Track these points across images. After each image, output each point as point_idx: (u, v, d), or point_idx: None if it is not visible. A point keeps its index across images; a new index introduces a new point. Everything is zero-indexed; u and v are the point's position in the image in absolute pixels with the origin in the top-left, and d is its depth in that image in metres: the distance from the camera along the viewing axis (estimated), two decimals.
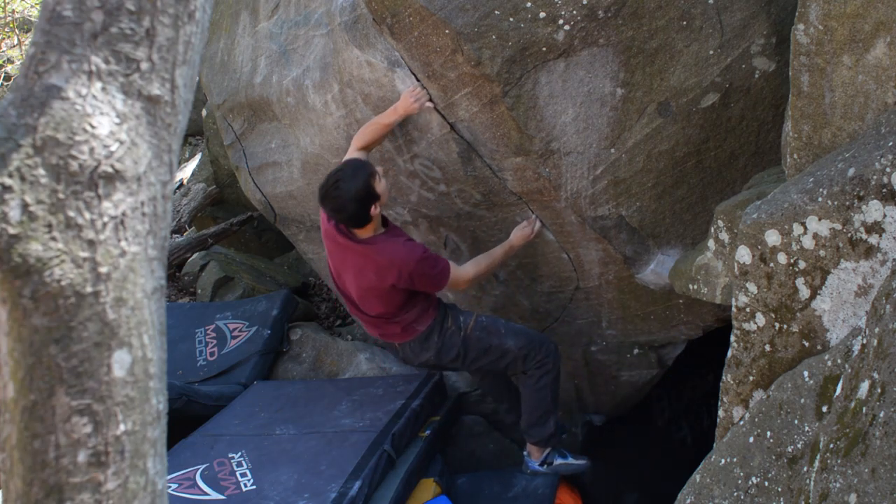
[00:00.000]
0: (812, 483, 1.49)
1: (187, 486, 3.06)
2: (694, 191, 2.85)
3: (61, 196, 0.81)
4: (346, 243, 2.90)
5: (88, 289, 0.83)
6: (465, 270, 2.98)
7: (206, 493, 3.01)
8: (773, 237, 1.74)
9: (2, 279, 0.80)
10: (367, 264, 2.87)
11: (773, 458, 1.72)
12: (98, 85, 0.85)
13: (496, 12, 2.58)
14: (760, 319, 1.82)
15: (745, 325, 1.86)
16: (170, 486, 3.05)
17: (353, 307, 3.10)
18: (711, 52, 2.60)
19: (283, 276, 5.53)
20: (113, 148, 0.85)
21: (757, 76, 2.64)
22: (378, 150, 3.16)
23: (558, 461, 3.35)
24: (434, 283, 2.91)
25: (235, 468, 3.14)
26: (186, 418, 3.62)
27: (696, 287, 2.54)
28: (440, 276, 2.90)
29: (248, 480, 3.04)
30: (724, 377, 1.97)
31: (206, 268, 5.37)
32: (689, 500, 1.91)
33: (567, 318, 3.40)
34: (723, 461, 1.85)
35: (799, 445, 1.67)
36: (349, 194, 2.73)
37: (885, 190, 1.53)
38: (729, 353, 1.93)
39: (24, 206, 0.79)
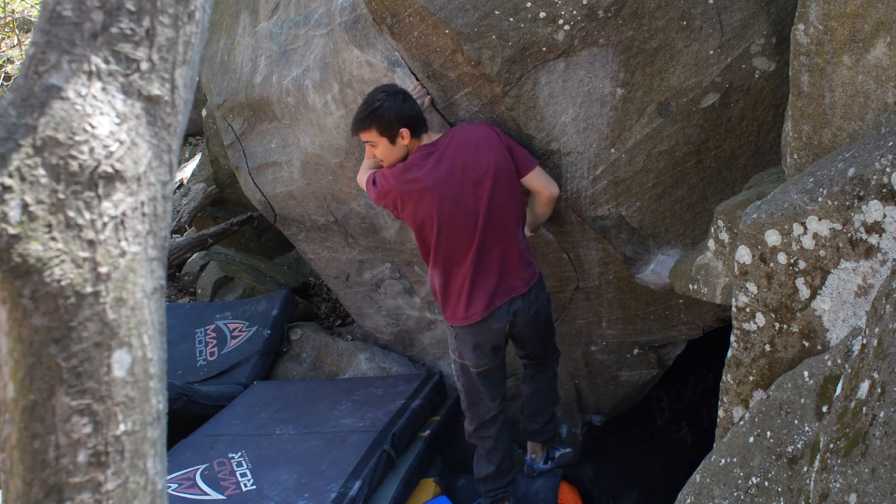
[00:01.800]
0: (812, 483, 1.49)
1: (187, 486, 3.06)
2: (694, 191, 2.85)
3: (61, 196, 0.81)
4: (437, 156, 2.66)
5: (88, 289, 0.83)
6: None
7: (206, 493, 3.01)
8: (773, 237, 1.74)
9: (2, 279, 0.80)
10: (478, 145, 2.67)
11: (773, 458, 1.72)
12: (98, 85, 0.85)
13: (496, 12, 2.58)
14: (760, 319, 1.82)
15: (745, 325, 1.85)
16: (170, 486, 3.06)
17: (488, 251, 2.73)
18: (711, 52, 2.60)
19: (283, 276, 5.54)
20: (113, 148, 0.85)
21: (757, 76, 2.64)
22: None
23: (557, 453, 3.36)
24: (527, 151, 2.75)
25: (235, 468, 3.15)
26: (186, 418, 3.62)
27: (696, 287, 2.54)
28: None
29: (248, 480, 3.04)
30: (724, 377, 1.97)
31: (206, 268, 5.38)
32: (689, 500, 1.91)
33: (567, 318, 3.40)
34: (723, 461, 1.85)
35: (799, 445, 1.67)
36: (404, 95, 2.64)
37: (885, 190, 1.53)
38: (729, 353, 1.93)
39: (24, 206, 0.79)
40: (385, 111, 2.58)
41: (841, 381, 1.56)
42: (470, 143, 2.66)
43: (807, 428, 1.66)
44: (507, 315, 2.78)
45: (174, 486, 3.07)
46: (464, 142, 2.67)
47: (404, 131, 2.62)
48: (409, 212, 2.70)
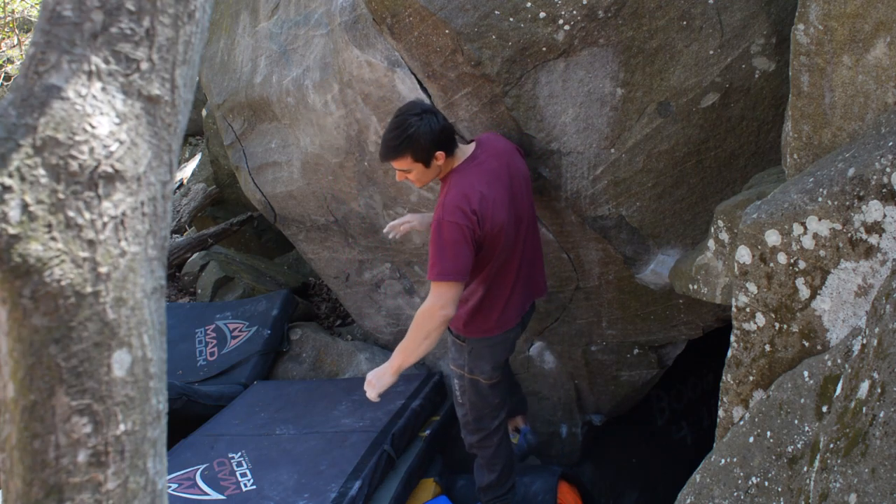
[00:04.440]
0: (812, 483, 1.49)
1: (187, 486, 3.06)
2: (694, 191, 2.85)
3: (61, 196, 0.81)
4: (485, 169, 2.56)
5: (88, 289, 0.83)
6: None
7: (206, 493, 3.01)
8: (773, 237, 1.74)
9: (2, 279, 0.80)
10: (510, 155, 2.64)
11: (773, 458, 1.72)
12: (98, 85, 0.85)
13: (496, 12, 2.58)
14: (760, 319, 1.82)
15: (745, 325, 1.85)
16: (170, 486, 3.06)
17: (525, 258, 2.71)
18: (711, 52, 2.60)
19: (283, 276, 5.54)
20: (113, 148, 0.85)
21: (757, 76, 2.64)
22: (378, 150, 3.16)
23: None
24: None
25: (235, 468, 3.15)
26: (186, 418, 3.62)
27: (696, 287, 2.54)
28: None
29: (248, 480, 3.04)
30: (724, 377, 1.97)
31: (206, 268, 5.38)
32: (689, 500, 1.91)
33: (567, 318, 3.40)
34: (723, 461, 1.85)
35: (799, 445, 1.67)
36: (433, 112, 2.50)
37: (885, 190, 1.53)
38: (729, 353, 1.93)
39: (24, 206, 0.79)
40: (420, 137, 2.43)
41: (841, 381, 1.56)
42: (503, 153, 2.63)
43: (807, 428, 1.66)
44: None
45: (174, 486, 3.07)
46: (498, 152, 2.61)
47: (440, 154, 2.49)
48: (492, 236, 2.52)
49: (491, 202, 2.49)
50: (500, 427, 2.95)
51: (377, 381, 2.60)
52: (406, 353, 2.52)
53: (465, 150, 2.60)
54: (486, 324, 2.70)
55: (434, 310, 2.41)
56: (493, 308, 2.69)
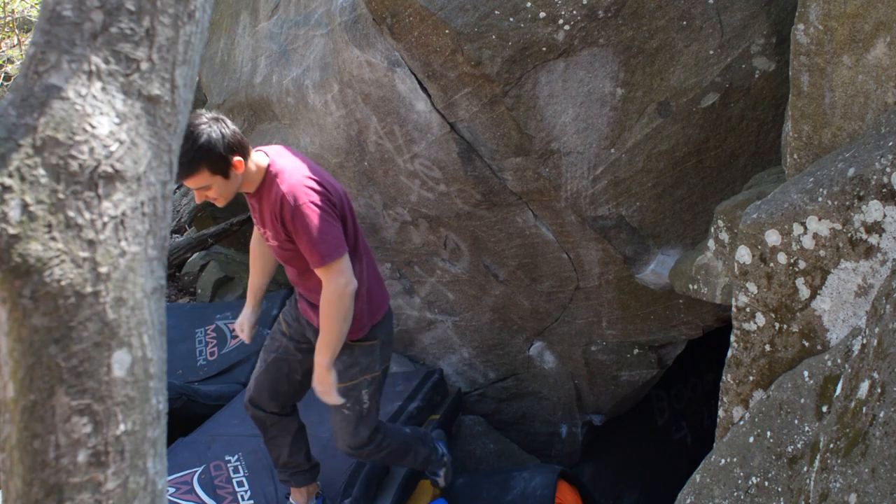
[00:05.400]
0: (812, 483, 1.49)
1: (184, 492, 3.06)
2: (694, 191, 2.85)
3: (61, 196, 0.81)
4: (291, 155, 2.51)
5: (88, 289, 0.83)
6: None
7: (204, 503, 3.01)
8: (773, 237, 1.74)
9: (2, 279, 0.80)
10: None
11: (773, 458, 1.72)
12: (98, 85, 0.85)
13: (496, 12, 2.58)
14: (760, 319, 1.82)
15: (745, 325, 1.85)
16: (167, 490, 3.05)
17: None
18: (711, 52, 2.60)
19: (283, 276, 5.53)
20: (113, 148, 0.85)
21: (757, 76, 2.64)
22: (378, 150, 3.16)
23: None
24: None
25: (232, 474, 3.14)
26: (186, 418, 3.62)
27: (696, 287, 2.54)
28: None
29: (245, 492, 3.03)
30: (724, 377, 1.97)
31: (206, 268, 5.38)
32: (689, 500, 1.91)
33: (567, 318, 3.40)
34: (723, 461, 1.85)
35: (799, 445, 1.67)
36: (222, 119, 2.29)
37: (885, 190, 1.53)
38: (729, 353, 1.93)
39: (24, 206, 0.79)
40: (214, 144, 2.19)
41: (841, 381, 1.56)
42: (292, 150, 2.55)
43: (807, 428, 1.66)
44: None
45: (171, 489, 3.06)
46: (286, 149, 2.53)
47: (237, 161, 2.25)
48: (341, 206, 2.42)
49: (323, 174, 2.42)
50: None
51: (326, 386, 2.43)
52: (333, 346, 2.41)
53: (260, 156, 2.39)
54: (380, 297, 2.63)
55: (341, 290, 2.33)
56: (377, 279, 2.62)
